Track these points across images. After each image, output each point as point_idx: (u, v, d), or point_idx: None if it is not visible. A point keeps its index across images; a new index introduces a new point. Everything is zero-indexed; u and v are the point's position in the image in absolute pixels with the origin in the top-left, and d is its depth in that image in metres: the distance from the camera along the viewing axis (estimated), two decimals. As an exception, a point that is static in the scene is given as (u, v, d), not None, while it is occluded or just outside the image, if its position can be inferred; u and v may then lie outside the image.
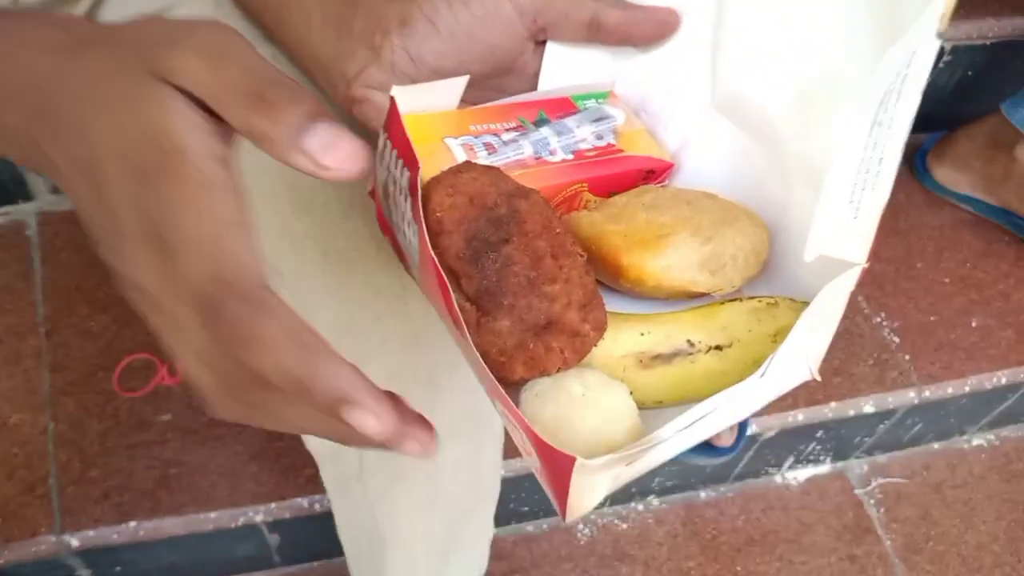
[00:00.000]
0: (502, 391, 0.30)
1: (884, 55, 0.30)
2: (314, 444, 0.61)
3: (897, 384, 0.97)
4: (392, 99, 0.34)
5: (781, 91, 0.38)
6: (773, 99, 0.38)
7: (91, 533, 0.79)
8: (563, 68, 0.42)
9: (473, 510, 0.62)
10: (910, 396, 0.97)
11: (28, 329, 0.89)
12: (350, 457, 0.57)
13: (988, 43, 1.09)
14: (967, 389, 0.99)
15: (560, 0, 0.39)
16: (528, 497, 0.98)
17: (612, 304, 0.37)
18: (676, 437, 0.32)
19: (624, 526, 1.05)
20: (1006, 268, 1.09)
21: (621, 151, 0.41)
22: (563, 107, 0.42)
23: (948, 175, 1.13)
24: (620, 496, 1.05)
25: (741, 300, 0.38)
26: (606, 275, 0.37)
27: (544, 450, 0.29)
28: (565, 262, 0.33)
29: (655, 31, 0.41)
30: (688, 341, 0.36)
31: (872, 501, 1.11)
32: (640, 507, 1.07)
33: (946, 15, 0.31)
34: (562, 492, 0.30)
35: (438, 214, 0.33)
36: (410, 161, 0.32)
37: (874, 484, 1.12)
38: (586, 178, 0.40)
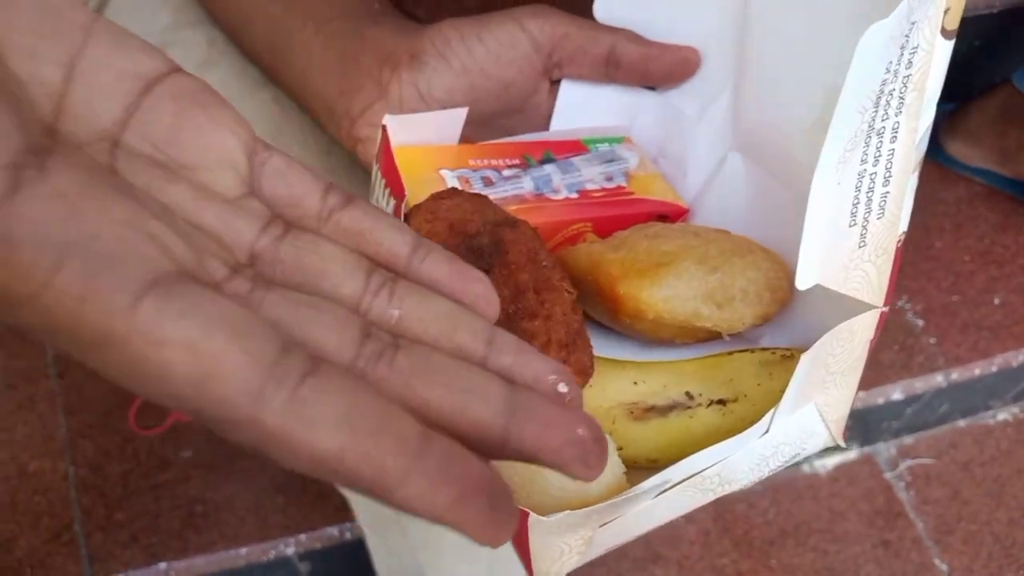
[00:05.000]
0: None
1: (859, 43, 0.26)
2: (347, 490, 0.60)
3: (924, 369, 0.96)
4: (384, 127, 0.32)
5: (799, 122, 0.34)
6: (792, 131, 0.35)
7: (121, 578, 0.78)
8: (577, 109, 0.40)
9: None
10: (938, 380, 0.96)
11: (39, 373, 0.88)
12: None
13: (995, 11, 1.07)
14: (994, 368, 0.98)
15: (577, 34, 0.37)
16: (558, 506, 0.97)
17: (609, 349, 0.34)
18: (662, 499, 0.28)
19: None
20: (1025, 241, 1.08)
21: (632, 193, 0.38)
22: (572, 149, 0.40)
23: (961, 149, 1.11)
24: (648, 496, 1.04)
25: (752, 351, 0.34)
26: (604, 311, 0.34)
27: None
28: (548, 297, 0.30)
29: (675, 69, 0.38)
30: (687, 393, 0.33)
31: (902, 484, 1.10)
32: (669, 505, 1.06)
33: (953, 13, 0.28)
34: (524, 554, 0.28)
35: None
36: (396, 189, 0.31)
37: (903, 467, 1.11)
38: (591, 218, 0.37)
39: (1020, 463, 1.13)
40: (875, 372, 0.95)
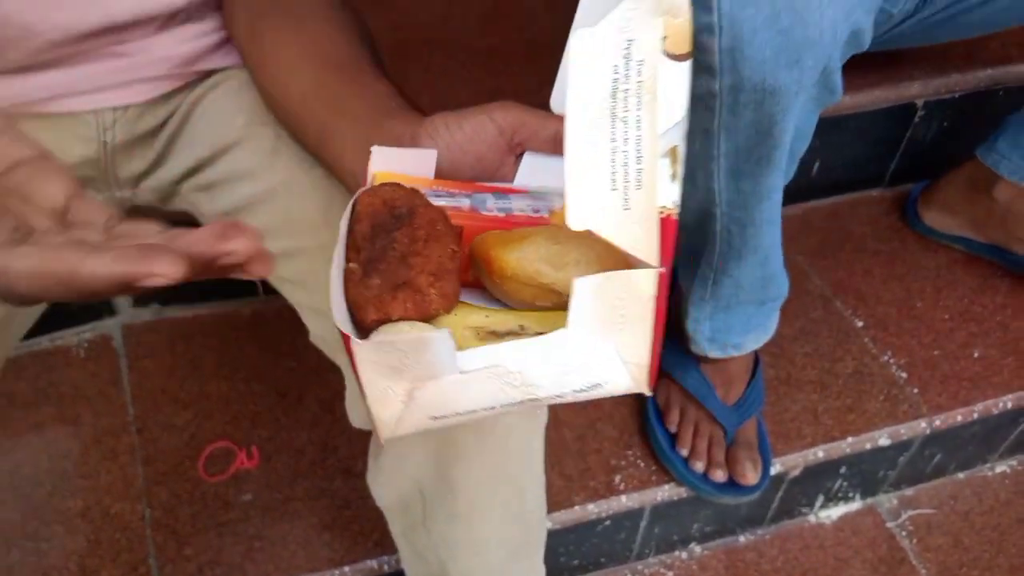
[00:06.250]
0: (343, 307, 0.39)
1: (568, 41, 0.34)
2: (384, 499, 0.71)
3: (908, 416, 1.04)
4: (371, 153, 0.45)
5: None
6: None
7: (189, 605, 0.89)
8: (535, 172, 0.52)
9: (521, 546, 0.70)
10: (922, 426, 1.05)
11: (121, 428, 1.01)
12: (416, 505, 0.67)
13: (956, 96, 1.20)
14: (975, 416, 1.06)
15: (531, 121, 0.50)
16: (576, 549, 1.05)
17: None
18: (472, 379, 0.37)
19: (670, 574, 1.12)
20: (1002, 300, 1.17)
21: (550, 222, 0.49)
22: (517, 192, 0.51)
23: (937, 219, 1.22)
24: (663, 545, 1.12)
25: None
26: (486, 275, 0.45)
27: (344, 339, 0.37)
28: (432, 245, 0.41)
29: None
30: (520, 326, 0.43)
31: (904, 533, 1.16)
32: (684, 555, 1.14)
33: (674, 40, 0.35)
34: (360, 386, 0.36)
35: (357, 209, 0.43)
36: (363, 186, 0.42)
37: (904, 516, 1.18)
38: (509, 227, 0.46)
39: (1019, 512, 1.19)
40: (862, 420, 1.04)
